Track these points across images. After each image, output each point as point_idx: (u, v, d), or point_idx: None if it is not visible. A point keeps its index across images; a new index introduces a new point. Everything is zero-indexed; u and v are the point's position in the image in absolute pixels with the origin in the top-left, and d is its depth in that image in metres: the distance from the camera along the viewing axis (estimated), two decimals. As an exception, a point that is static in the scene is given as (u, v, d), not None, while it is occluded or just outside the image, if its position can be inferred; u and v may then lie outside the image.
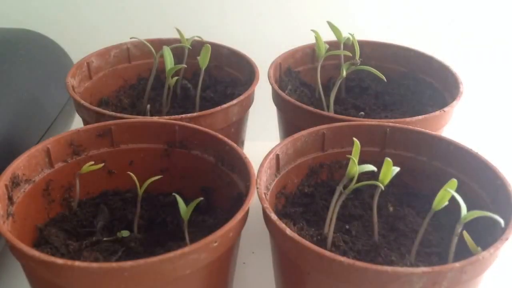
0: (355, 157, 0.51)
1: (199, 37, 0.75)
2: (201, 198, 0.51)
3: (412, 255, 0.51)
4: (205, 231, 0.50)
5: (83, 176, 0.57)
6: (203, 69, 0.69)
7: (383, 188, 0.50)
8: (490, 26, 0.96)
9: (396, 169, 0.50)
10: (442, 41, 0.96)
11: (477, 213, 0.47)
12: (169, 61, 0.66)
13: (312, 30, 0.70)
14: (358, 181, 0.50)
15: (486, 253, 0.44)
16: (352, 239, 0.54)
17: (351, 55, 0.66)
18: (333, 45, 0.74)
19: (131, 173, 0.54)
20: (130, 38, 0.72)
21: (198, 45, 0.74)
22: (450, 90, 0.70)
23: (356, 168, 0.50)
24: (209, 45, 0.68)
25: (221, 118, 0.64)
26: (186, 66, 0.66)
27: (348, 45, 0.72)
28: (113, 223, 0.58)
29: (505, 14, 0.95)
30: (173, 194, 0.52)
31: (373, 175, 0.53)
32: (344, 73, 0.64)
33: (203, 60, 0.68)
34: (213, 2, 0.94)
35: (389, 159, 0.50)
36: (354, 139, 0.51)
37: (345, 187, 0.51)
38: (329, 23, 0.71)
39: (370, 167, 0.51)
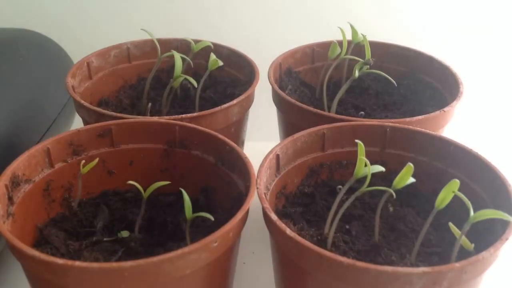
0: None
1: (213, 43, 0.75)
2: (210, 217, 0.51)
3: (413, 255, 0.51)
4: (205, 231, 0.49)
5: (83, 176, 0.57)
6: (209, 70, 0.69)
7: (394, 195, 0.50)
8: (491, 26, 0.96)
9: (412, 179, 0.49)
10: (442, 41, 0.96)
11: (487, 214, 0.46)
12: (179, 68, 0.66)
13: (339, 28, 0.69)
14: (363, 182, 0.50)
15: (486, 253, 0.44)
16: (352, 239, 0.54)
17: (362, 60, 0.65)
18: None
19: (136, 183, 0.53)
20: (140, 29, 0.71)
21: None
22: (450, 90, 0.70)
23: (367, 168, 0.49)
24: (220, 61, 0.68)
25: (221, 118, 0.64)
26: (196, 86, 0.66)
27: (358, 45, 0.72)
28: (113, 223, 0.58)
29: (506, 14, 0.95)
30: (180, 189, 0.52)
31: (375, 175, 0.53)
32: (357, 74, 0.63)
33: (212, 64, 0.68)
34: (213, 2, 0.94)
35: (411, 164, 0.48)
36: (358, 141, 0.50)
37: (350, 188, 0.51)
38: (350, 25, 0.71)
39: (380, 168, 0.50)
